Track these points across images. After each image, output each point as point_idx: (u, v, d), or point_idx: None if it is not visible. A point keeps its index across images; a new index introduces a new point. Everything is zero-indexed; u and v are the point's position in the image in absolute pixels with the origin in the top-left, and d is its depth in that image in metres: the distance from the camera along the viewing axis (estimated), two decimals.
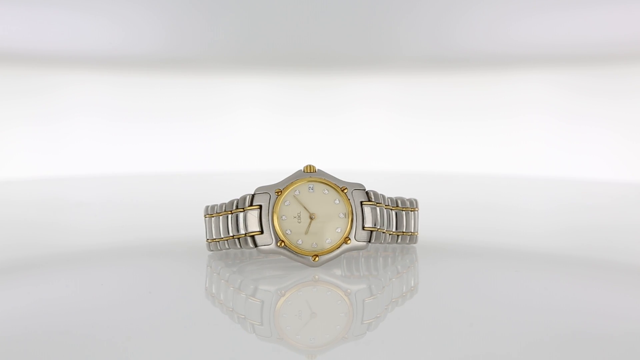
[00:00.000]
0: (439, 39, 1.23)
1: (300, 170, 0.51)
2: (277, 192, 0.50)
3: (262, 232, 0.50)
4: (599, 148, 1.22)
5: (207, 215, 0.54)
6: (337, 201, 0.51)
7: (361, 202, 0.51)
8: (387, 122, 1.29)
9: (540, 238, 0.69)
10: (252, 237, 0.50)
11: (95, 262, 0.57)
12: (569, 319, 0.42)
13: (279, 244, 0.49)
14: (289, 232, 0.50)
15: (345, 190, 0.51)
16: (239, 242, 0.51)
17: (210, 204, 0.54)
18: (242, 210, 0.51)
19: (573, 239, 0.69)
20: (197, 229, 0.56)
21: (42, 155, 1.23)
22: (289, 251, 0.50)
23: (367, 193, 0.52)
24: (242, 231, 0.50)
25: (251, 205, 0.50)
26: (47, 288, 0.49)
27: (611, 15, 1.14)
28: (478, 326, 0.40)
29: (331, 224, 0.50)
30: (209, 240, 0.54)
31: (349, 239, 0.50)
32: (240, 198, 0.51)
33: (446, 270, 0.53)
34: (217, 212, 0.53)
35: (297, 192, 0.50)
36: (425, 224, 0.56)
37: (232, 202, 0.52)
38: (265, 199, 0.50)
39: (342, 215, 0.51)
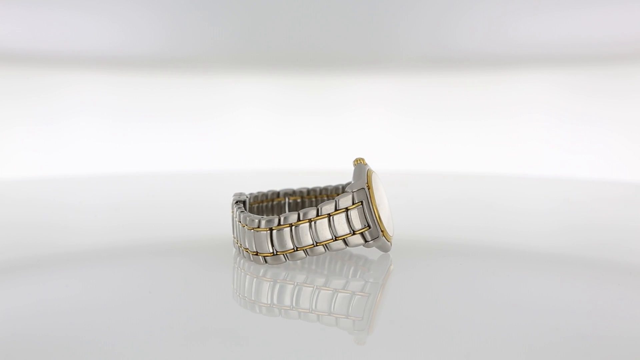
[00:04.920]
0: (439, 39, 1.23)
1: (360, 164, 0.52)
2: (368, 187, 0.49)
3: (369, 227, 0.49)
4: (599, 148, 1.22)
5: (276, 227, 0.49)
6: (381, 187, 0.53)
7: None
8: (387, 122, 1.29)
9: (540, 237, 0.69)
10: (362, 233, 0.49)
11: (95, 262, 0.57)
12: (570, 320, 0.42)
13: (382, 234, 0.49)
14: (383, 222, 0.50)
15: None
16: (345, 242, 0.49)
17: (256, 216, 0.51)
18: (343, 210, 0.49)
19: (572, 238, 0.69)
20: (199, 228, 0.55)
21: (42, 155, 1.23)
22: (386, 240, 0.50)
23: None
24: (347, 231, 0.49)
25: (353, 203, 0.49)
26: (47, 288, 0.49)
27: (611, 15, 1.14)
28: (475, 326, 0.40)
29: (386, 209, 0.52)
30: (284, 252, 0.50)
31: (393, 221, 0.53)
32: (342, 199, 0.49)
33: (444, 268, 0.53)
34: (301, 219, 0.49)
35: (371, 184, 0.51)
36: (426, 223, 0.56)
37: (310, 207, 0.50)
38: (364, 195, 0.49)
39: (386, 200, 0.53)
